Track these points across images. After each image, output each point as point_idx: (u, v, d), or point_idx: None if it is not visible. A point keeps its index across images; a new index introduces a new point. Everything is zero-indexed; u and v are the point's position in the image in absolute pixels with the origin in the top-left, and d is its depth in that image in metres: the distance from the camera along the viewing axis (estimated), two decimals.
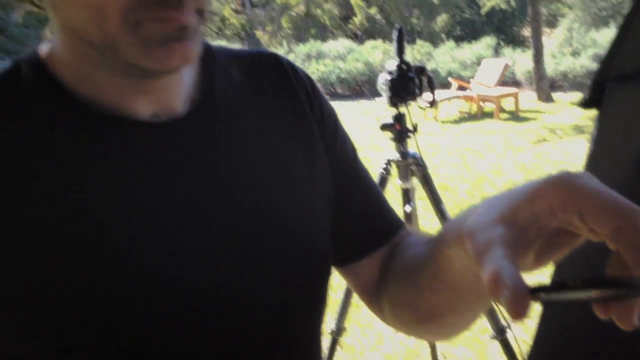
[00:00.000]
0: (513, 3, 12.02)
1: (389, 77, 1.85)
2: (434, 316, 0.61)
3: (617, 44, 0.74)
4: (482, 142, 7.50)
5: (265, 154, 0.62)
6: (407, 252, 0.67)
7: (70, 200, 0.51)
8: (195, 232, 0.55)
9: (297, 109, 0.67)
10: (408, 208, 1.93)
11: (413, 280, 0.61)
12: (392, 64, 1.86)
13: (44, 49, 0.56)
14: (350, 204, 0.70)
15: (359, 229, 0.70)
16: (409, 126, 1.90)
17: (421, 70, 1.86)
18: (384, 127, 1.94)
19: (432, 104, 2.00)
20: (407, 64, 1.82)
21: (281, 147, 0.64)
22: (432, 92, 1.89)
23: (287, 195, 0.62)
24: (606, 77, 0.78)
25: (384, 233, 0.72)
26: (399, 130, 1.91)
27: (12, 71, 0.55)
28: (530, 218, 0.39)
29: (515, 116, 9.41)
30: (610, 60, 0.78)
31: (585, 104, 0.80)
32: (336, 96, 14.98)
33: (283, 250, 0.59)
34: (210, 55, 0.63)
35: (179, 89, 0.58)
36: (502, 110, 9.69)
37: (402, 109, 1.89)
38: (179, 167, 0.56)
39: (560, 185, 0.38)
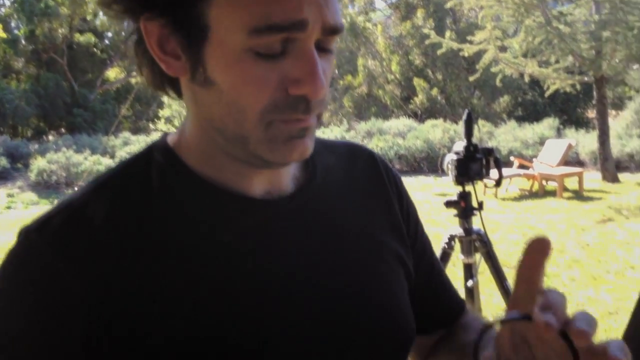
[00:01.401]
0: (578, 87, 12.04)
1: (455, 157, 1.97)
2: None
3: None
4: (544, 221, 7.41)
5: (363, 234, 0.71)
6: (461, 334, 0.81)
7: (204, 269, 0.59)
8: (309, 304, 0.62)
9: (387, 201, 0.77)
10: (470, 283, 2.00)
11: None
12: (460, 145, 1.98)
13: (172, 137, 0.67)
14: (424, 287, 0.81)
15: (429, 309, 0.81)
16: (474, 204, 2.00)
17: (489, 152, 1.97)
18: (449, 204, 2.04)
19: (499, 183, 2.09)
20: (474, 145, 1.94)
21: (376, 232, 0.73)
22: (500, 172, 1.99)
23: (384, 276, 0.71)
24: None
25: (450, 314, 0.85)
26: (464, 207, 2.00)
27: (146, 154, 0.65)
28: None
29: (579, 195, 9.26)
30: None
31: None
32: None
33: (378, 329, 0.67)
34: None
35: (288, 171, 0.68)
36: (565, 190, 9.56)
37: (468, 187, 1.99)
38: (292, 240, 0.64)
39: None
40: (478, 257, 2.02)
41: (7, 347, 0.55)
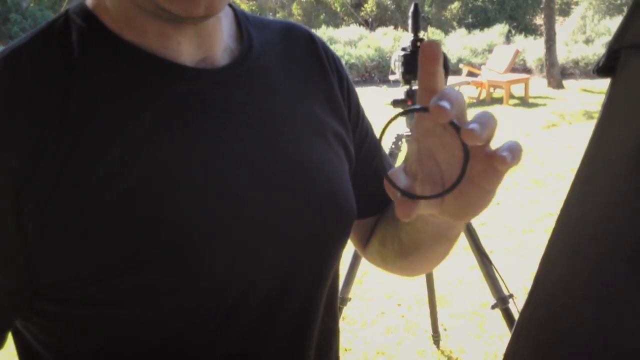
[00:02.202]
0: None
1: (402, 53, 1.91)
2: (414, 249, 0.71)
3: (634, 12, 0.76)
4: None
5: (302, 113, 0.68)
6: None
7: (127, 139, 0.54)
8: (243, 175, 0.59)
9: (326, 81, 0.73)
10: None
11: (397, 222, 0.71)
12: (407, 40, 1.91)
13: (90, 0, 0.59)
14: (367, 169, 0.79)
15: (371, 191, 0.78)
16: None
17: None
18: (396, 102, 1.99)
19: (445, 83, 2.06)
20: (421, 40, 1.87)
21: (316, 111, 0.69)
22: (446, 71, 1.94)
23: (324, 155, 0.68)
24: (621, 45, 0.80)
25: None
26: (411, 106, 1.96)
27: (64, 19, 0.58)
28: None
29: (524, 102, 9.42)
30: (625, 29, 0.80)
31: (599, 71, 0.84)
32: None
33: (316, 199, 0.65)
34: (245, 18, 0.69)
35: (218, 40, 0.62)
36: (512, 97, 9.70)
37: (415, 86, 1.94)
38: (224, 113, 0.60)
39: None
40: None
41: None
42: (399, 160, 2.12)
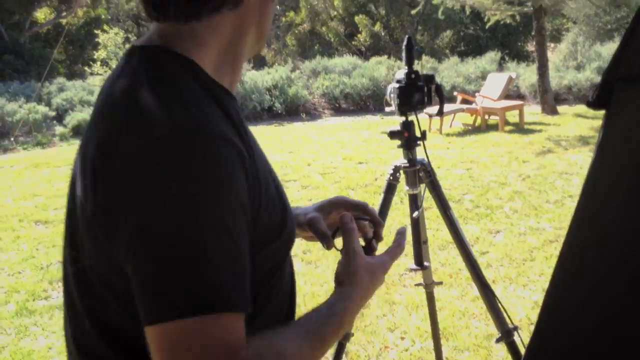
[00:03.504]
0: (518, 18, 12.11)
1: (397, 85, 1.90)
2: None
3: (626, 44, 0.76)
4: (487, 154, 7.54)
5: None
6: None
7: (259, 161, 0.80)
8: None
9: None
10: (416, 214, 1.97)
11: None
12: (401, 73, 1.90)
13: (181, 52, 0.77)
14: None
15: None
16: (417, 134, 1.95)
17: (430, 78, 1.90)
18: (392, 134, 1.98)
19: (440, 112, 2.04)
20: (415, 72, 1.87)
21: None
22: (441, 101, 1.93)
23: None
24: (614, 77, 0.79)
25: None
26: (408, 137, 1.95)
27: (181, 65, 0.76)
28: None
29: (519, 128, 9.45)
30: (619, 60, 0.79)
31: (593, 104, 0.82)
32: (341, 111, 15.07)
33: None
34: None
35: None
36: (507, 123, 9.74)
37: (411, 117, 1.93)
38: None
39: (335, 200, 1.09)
40: (423, 188, 1.98)
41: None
42: (398, 192, 2.10)
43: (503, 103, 9.84)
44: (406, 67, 1.89)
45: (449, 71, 15.78)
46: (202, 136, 0.68)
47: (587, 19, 23.33)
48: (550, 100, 11.15)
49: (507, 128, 9.49)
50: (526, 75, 14.54)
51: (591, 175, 0.82)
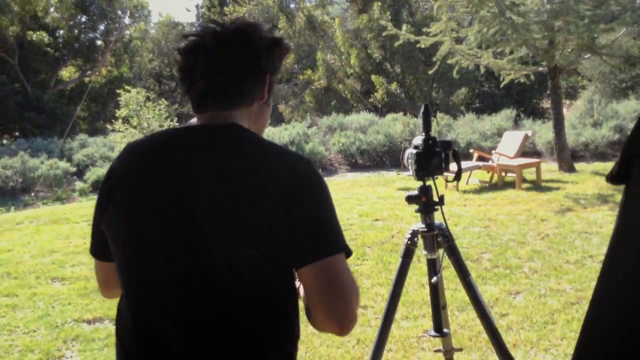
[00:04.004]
0: (532, 77, 12.25)
1: (414, 152, 1.92)
2: None
3: None
4: (504, 212, 7.49)
5: None
6: None
7: None
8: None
9: None
10: (434, 279, 1.95)
11: None
12: (419, 139, 1.93)
13: (231, 121, 1.22)
14: None
15: None
16: (435, 198, 1.95)
17: (447, 144, 1.92)
18: (410, 199, 1.98)
19: (458, 177, 2.05)
20: (433, 138, 1.89)
21: None
22: (459, 166, 1.94)
23: None
24: (633, 153, 0.80)
25: None
26: (425, 202, 1.95)
27: (245, 129, 1.22)
28: None
29: (537, 186, 9.41)
30: (636, 137, 0.80)
31: (612, 179, 0.83)
32: (357, 167, 15.15)
33: None
34: None
35: None
36: (524, 181, 9.71)
37: (429, 182, 1.94)
38: None
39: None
40: (441, 252, 1.97)
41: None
42: (416, 257, 2.08)
43: (520, 160, 9.83)
44: (423, 133, 1.92)
45: (465, 128, 15.88)
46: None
47: (602, 76, 23.53)
48: (568, 158, 11.12)
49: (525, 185, 9.45)
50: (542, 132, 14.57)
51: (611, 251, 0.82)
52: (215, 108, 1.21)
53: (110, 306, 4.66)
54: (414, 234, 1.99)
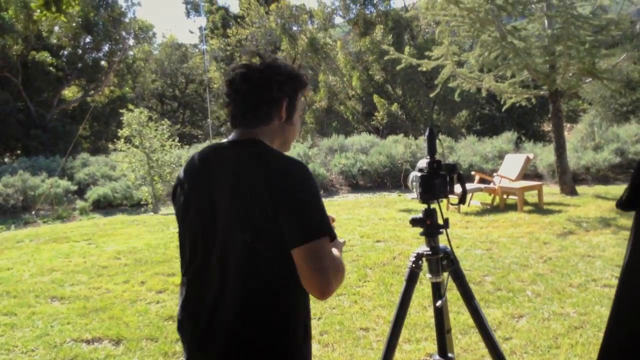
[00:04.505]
0: (534, 100, 12.30)
1: (419, 175, 1.91)
2: None
3: None
4: (506, 235, 7.46)
5: None
6: None
7: None
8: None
9: None
10: (439, 303, 1.93)
11: None
12: (424, 162, 1.93)
13: (253, 136, 1.60)
14: None
15: None
16: (440, 221, 1.94)
17: (452, 168, 1.92)
18: (414, 222, 1.97)
19: (463, 200, 2.05)
20: (438, 162, 1.89)
21: None
22: (463, 189, 1.94)
23: None
24: None
25: None
26: (430, 225, 1.94)
27: (261, 141, 1.58)
28: None
29: (539, 209, 9.39)
30: None
31: (622, 205, 0.83)
32: (358, 188, 15.15)
33: None
34: None
35: None
36: (526, 203, 9.69)
37: (433, 205, 1.94)
38: None
39: None
40: (446, 276, 1.96)
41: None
42: (419, 282, 2.07)
43: (521, 183, 9.83)
44: (428, 157, 1.92)
45: (466, 150, 15.91)
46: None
47: (603, 100, 23.65)
48: (569, 181, 11.12)
49: (526, 208, 9.43)
50: (543, 155, 14.60)
51: (623, 279, 0.81)
52: (242, 126, 1.60)
53: (109, 326, 4.63)
54: (419, 257, 1.98)
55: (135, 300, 5.36)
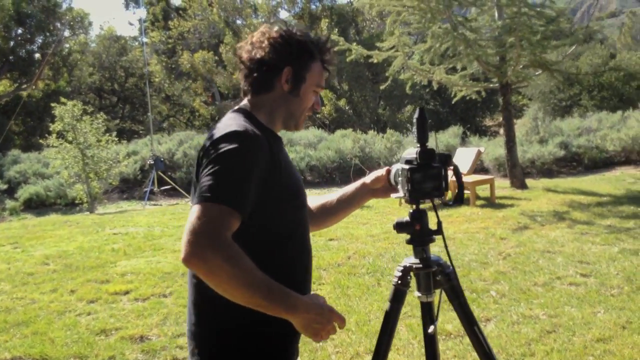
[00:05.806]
0: (484, 94, 12.21)
1: (407, 167, 1.52)
2: (337, 218, 1.90)
3: None
4: (461, 230, 7.23)
5: None
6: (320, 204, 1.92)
7: (284, 163, 1.53)
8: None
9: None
10: (431, 329, 1.54)
11: (328, 209, 1.89)
12: (412, 152, 1.53)
13: (244, 106, 1.64)
14: None
15: None
16: (432, 226, 1.55)
17: (446, 158, 1.53)
18: (400, 226, 1.58)
19: (460, 201, 1.66)
20: (431, 151, 1.49)
21: None
22: (460, 186, 1.56)
23: None
24: None
25: None
26: (420, 231, 1.55)
27: (248, 113, 1.60)
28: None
29: (491, 203, 9.24)
30: None
31: None
32: (306, 183, 14.76)
33: None
34: None
35: None
36: (477, 197, 9.53)
37: (423, 205, 1.55)
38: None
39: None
40: (439, 294, 1.57)
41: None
42: (406, 301, 1.66)
43: (473, 177, 9.67)
44: (418, 145, 1.52)
45: (413, 144, 15.78)
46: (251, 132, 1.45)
47: (543, 95, 24.14)
48: (519, 174, 11.06)
49: (479, 202, 9.27)
50: (489, 149, 14.61)
51: None
52: (244, 94, 1.65)
53: (32, 343, 4.07)
54: (406, 271, 1.58)
55: (63, 312, 4.79)
